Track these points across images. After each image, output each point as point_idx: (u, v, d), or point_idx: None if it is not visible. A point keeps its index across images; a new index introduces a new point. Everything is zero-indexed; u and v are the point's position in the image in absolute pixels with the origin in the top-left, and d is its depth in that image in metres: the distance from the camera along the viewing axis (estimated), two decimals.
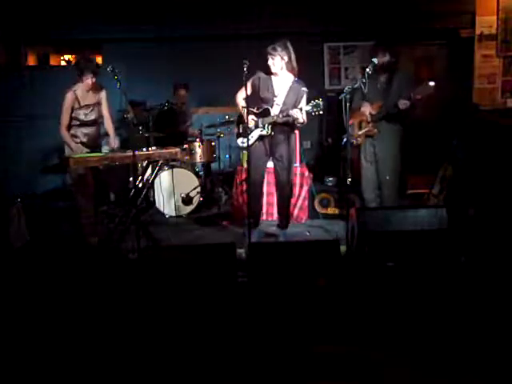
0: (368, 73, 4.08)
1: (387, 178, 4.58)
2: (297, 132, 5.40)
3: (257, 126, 4.39)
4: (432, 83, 4.19)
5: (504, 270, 3.56)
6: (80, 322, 3.12)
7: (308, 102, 4.25)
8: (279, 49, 4.26)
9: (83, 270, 3.84)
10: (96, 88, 4.56)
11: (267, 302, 3.27)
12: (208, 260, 3.46)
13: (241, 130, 4.58)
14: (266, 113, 4.35)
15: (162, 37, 6.73)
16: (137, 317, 3.14)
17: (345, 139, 4.31)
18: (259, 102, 4.40)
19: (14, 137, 6.47)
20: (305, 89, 4.35)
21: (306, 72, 5.84)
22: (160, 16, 6.56)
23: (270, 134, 4.36)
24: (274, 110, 4.34)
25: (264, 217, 5.25)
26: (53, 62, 8.02)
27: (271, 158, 4.53)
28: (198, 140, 5.86)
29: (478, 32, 6.43)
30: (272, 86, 4.37)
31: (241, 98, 4.46)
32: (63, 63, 8.20)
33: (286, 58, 4.29)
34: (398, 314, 3.11)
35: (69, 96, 4.45)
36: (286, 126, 4.40)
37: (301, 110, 4.20)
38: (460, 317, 3.04)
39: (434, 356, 2.69)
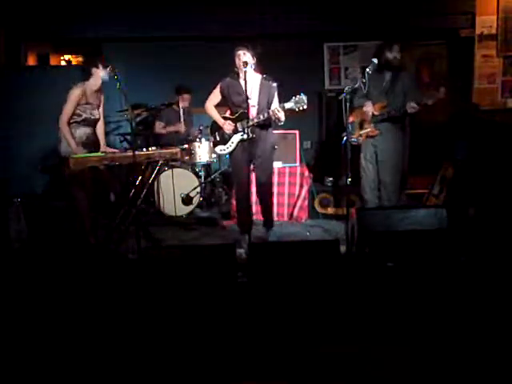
0: (368, 73, 4.08)
1: (388, 178, 4.57)
2: (296, 132, 5.43)
3: (236, 132, 4.36)
4: (443, 89, 4.19)
5: (504, 270, 3.56)
6: (80, 322, 3.12)
7: (289, 99, 4.21)
8: (250, 47, 4.26)
9: (83, 270, 3.84)
10: (100, 90, 4.55)
11: (267, 303, 3.27)
12: (208, 260, 3.46)
13: (217, 138, 4.54)
14: (243, 116, 4.24)
15: (162, 37, 6.72)
16: (137, 317, 3.14)
17: (345, 138, 4.31)
18: (232, 108, 4.37)
19: (14, 137, 6.46)
20: (275, 84, 4.35)
21: (306, 72, 5.84)
22: (160, 16, 6.55)
23: (251, 138, 4.26)
24: (252, 112, 4.30)
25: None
26: (53, 62, 8.01)
27: (252, 162, 4.45)
28: (198, 140, 5.87)
29: (478, 32, 6.44)
30: (242, 89, 4.21)
31: (211, 106, 4.49)
32: (63, 63, 8.20)
33: (255, 58, 4.29)
34: (398, 314, 3.11)
35: (76, 91, 4.36)
36: (264, 127, 4.38)
37: (283, 108, 4.17)
38: (460, 316, 3.04)
39: (433, 356, 2.69)
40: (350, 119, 4.64)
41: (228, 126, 4.38)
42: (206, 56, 6.72)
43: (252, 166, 4.51)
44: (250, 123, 4.22)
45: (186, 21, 6.58)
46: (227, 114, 4.50)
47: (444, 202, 4.89)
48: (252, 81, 4.30)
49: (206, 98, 4.56)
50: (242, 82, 4.27)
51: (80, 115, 4.41)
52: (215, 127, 4.54)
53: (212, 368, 2.66)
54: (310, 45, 6.89)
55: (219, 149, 4.54)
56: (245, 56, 4.23)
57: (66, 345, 2.88)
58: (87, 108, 4.44)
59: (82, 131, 4.49)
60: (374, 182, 4.65)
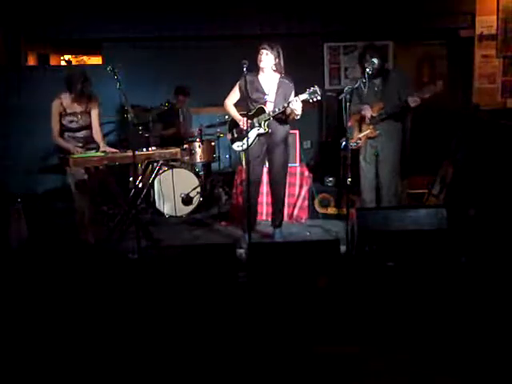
0: (368, 73, 4.08)
1: (387, 178, 4.58)
2: (296, 132, 5.42)
3: (252, 127, 4.36)
4: (440, 82, 4.23)
5: (504, 270, 3.56)
6: (80, 322, 3.12)
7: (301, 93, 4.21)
8: (274, 47, 4.29)
9: (83, 270, 3.84)
10: (85, 97, 4.52)
11: (267, 302, 3.27)
12: (208, 260, 3.46)
13: (235, 135, 4.56)
14: (260, 111, 4.33)
15: (161, 37, 6.72)
16: (137, 317, 3.14)
17: (344, 142, 4.31)
18: (249, 104, 4.36)
19: (14, 137, 6.47)
20: (292, 84, 4.38)
21: (306, 72, 5.83)
22: (160, 16, 6.56)
23: (268, 132, 4.34)
24: (269, 107, 4.34)
25: (264, 217, 5.26)
26: (53, 62, 8.02)
27: (267, 156, 4.50)
28: (198, 140, 5.87)
29: (478, 32, 6.44)
30: (261, 86, 4.37)
31: (230, 104, 4.51)
32: (63, 63, 8.21)
33: (276, 59, 4.31)
34: (398, 313, 3.11)
35: (54, 104, 4.46)
36: (280, 123, 4.39)
37: (298, 99, 4.15)
38: (460, 316, 3.05)
39: (434, 355, 2.68)
40: (349, 124, 4.66)
41: (244, 122, 4.37)
42: (206, 56, 6.73)
43: (267, 164, 4.54)
44: (266, 117, 4.30)
45: (186, 21, 6.59)
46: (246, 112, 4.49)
47: (444, 202, 4.89)
48: (270, 79, 4.38)
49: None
50: (260, 78, 4.36)
51: (64, 125, 4.49)
52: (233, 124, 4.57)
53: (212, 368, 2.66)
54: (309, 45, 6.89)
55: (236, 145, 4.57)
56: (267, 56, 4.28)
57: (66, 345, 2.88)
58: (67, 118, 4.49)
59: (74, 136, 4.54)
60: (373, 182, 4.66)
